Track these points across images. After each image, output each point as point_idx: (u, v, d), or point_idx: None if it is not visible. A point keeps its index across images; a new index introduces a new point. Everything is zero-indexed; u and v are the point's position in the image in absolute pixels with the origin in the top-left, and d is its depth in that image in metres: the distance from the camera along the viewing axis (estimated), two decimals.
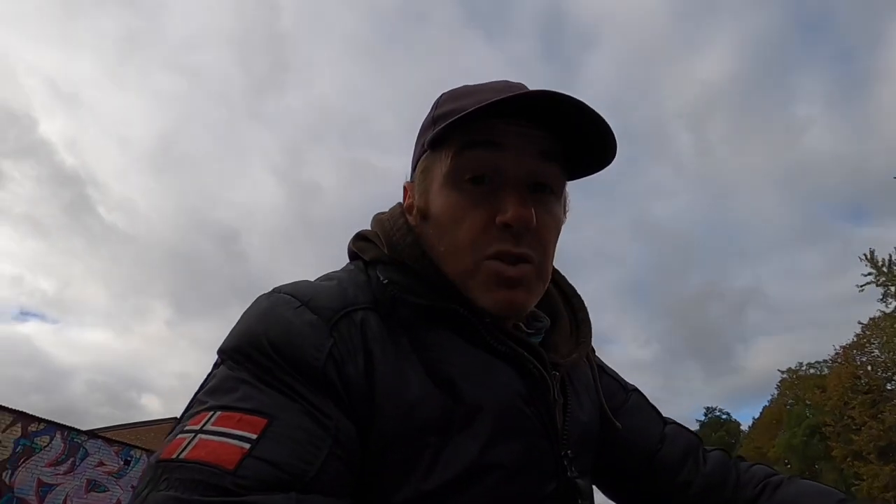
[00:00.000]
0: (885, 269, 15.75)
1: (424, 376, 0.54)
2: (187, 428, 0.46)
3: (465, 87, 0.65)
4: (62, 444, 10.17)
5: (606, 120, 0.57)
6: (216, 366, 0.53)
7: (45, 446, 9.82)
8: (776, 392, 31.86)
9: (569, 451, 0.60)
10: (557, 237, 0.64)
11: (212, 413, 0.46)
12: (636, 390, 0.81)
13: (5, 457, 9.19)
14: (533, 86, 0.60)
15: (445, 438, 0.52)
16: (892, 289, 15.77)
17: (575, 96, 0.55)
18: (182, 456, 0.43)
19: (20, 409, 9.68)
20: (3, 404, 9.50)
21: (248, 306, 0.57)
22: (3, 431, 9.32)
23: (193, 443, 0.44)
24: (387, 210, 0.68)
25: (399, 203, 0.68)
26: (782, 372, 30.10)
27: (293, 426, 0.45)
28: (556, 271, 0.74)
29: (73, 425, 10.61)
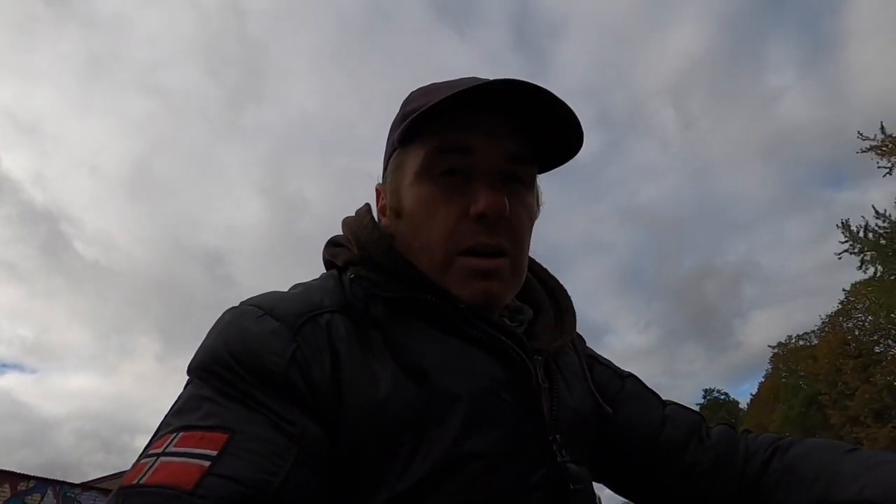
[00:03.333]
0: (860, 237, 15.97)
1: (396, 371, 0.53)
2: (150, 452, 0.45)
3: (434, 83, 0.65)
4: (55, 501, 9.87)
5: (573, 108, 0.58)
6: (186, 386, 0.53)
7: None
8: (770, 367, 32.28)
9: (557, 436, 0.59)
10: (532, 228, 0.65)
11: (175, 434, 0.46)
12: (631, 376, 0.80)
13: None
14: (507, 77, 0.59)
15: (421, 432, 0.51)
16: (869, 255, 16.02)
17: (542, 86, 0.56)
18: (143, 481, 0.43)
19: (7, 469, 9.40)
20: None
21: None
22: None
23: (154, 466, 0.43)
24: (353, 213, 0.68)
25: (367, 203, 0.68)
26: (772, 347, 30.52)
27: (255, 438, 0.45)
28: (536, 263, 0.74)
29: (65, 478, 10.35)
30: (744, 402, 40.28)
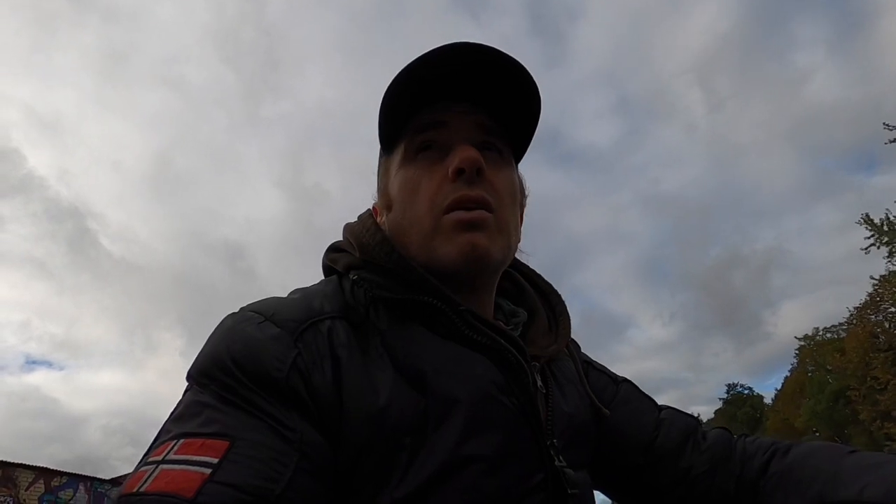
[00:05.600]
0: (885, 229, 15.69)
1: (396, 376, 0.53)
2: (150, 459, 0.45)
3: (402, 73, 0.61)
4: (86, 496, 10.17)
5: (527, 68, 0.60)
6: (186, 392, 0.53)
7: (70, 500, 9.84)
8: (795, 361, 31.61)
9: (554, 441, 0.59)
10: (516, 202, 0.66)
11: (175, 441, 0.45)
12: (626, 381, 0.80)
13: None
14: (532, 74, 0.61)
15: (421, 436, 0.51)
16: (895, 246, 15.60)
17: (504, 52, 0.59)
18: (143, 489, 0.42)
19: (41, 465, 9.71)
20: (23, 461, 9.52)
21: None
22: (27, 489, 9.32)
23: (155, 474, 0.43)
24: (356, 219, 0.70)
25: (369, 208, 0.70)
26: (799, 339, 29.90)
27: (257, 445, 0.45)
28: (529, 268, 0.76)
29: (95, 473, 10.63)
30: (769, 396, 39.52)
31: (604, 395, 0.74)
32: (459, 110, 0.62)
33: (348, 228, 0.68)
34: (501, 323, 0.66)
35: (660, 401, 0.80)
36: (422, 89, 0.61)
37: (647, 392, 0.80)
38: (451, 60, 0.59)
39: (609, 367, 0.82)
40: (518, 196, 0.67)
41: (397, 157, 0.64)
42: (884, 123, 14.79)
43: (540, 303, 0.73)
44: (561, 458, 0.59)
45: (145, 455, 0.47)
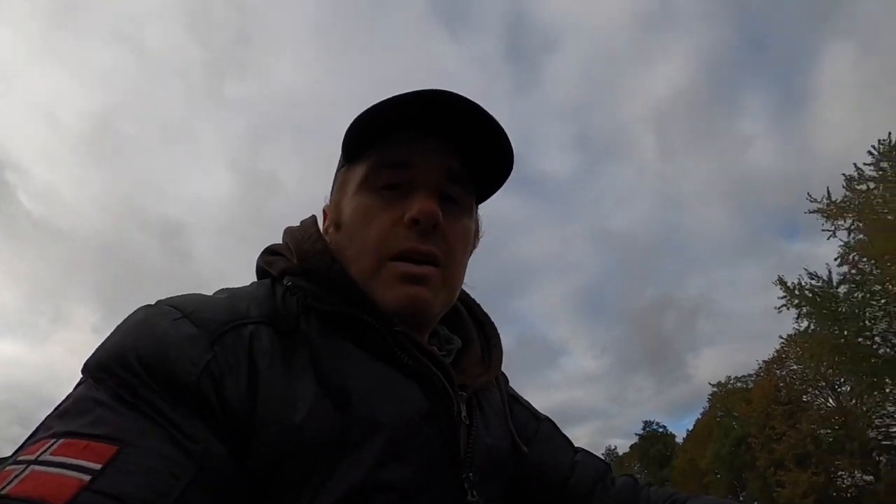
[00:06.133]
0: (796, 293, 17.02)
1: (319, 392, 0.51)
2: (21, 458, 0.40)
3: (380, 102, 0.61)
4: None
5: (505, 130, 0.61)
6: (78, 385, 0.47)
7: None
8: (707, 405, 33.57)
9: (471, 474, 0.58)
10: (467, 252, 0.66)
11: (54, 441, 0.40)
12: (548, 419, 0.82)
13: None
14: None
15: (337, 457, 0.49)
16: (804, 309, 17.05)
17: (484, 108, 0.59)
18: (5, 491, 0.37)
19: None
20: None
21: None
22: None
23: (23, 475, 0.38)
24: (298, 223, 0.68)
25: (313, 215, 0.69)
26: (713, 385, 31.79)
27: (150, 453, 0.41)
28: (469, 297, 0.77)
29: None
30: (681, 436, 41.59)
31: (525, 431, 0.75)
32: (428, 148, 0.62)
33: (289, 233, 0.66)
34: (435, 348, 0.65)
35: (581, 430, 0.85)
36: (398, 113, 0.60)
37: (572, 419, 0.84)
38: (431, 101, 0.59)
39: (539, 392, 0.87)
40: (470, 244, 0.67)
41: (358, 176, 0.63)
42: (808, 194, 16.16)
43: (475, 332, 0.73)
44: (475, 492, 0.58)
45: (17, 451, 0.42)
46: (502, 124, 0.62)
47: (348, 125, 0.62)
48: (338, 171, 0.69)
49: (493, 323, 0.76)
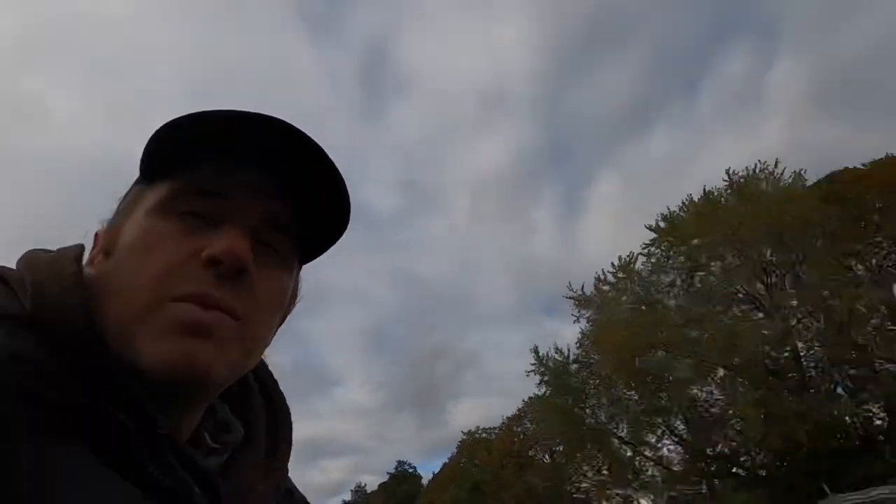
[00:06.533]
0: (543, 362, 20.95)
1: None
2: None
3: (201, 112, 0.47)
4: None
5: (348, 186, 0.50)
6: None
7: None
8: (455, 451, 36.82)
9: None
10: (277, 314, 0.51)
11: None
12: None
13: None
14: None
15: None
16: (546, 377, 20.91)
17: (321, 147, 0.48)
18: None
19: None
20: None
21: None
22: None
23: None
24: (54, 249, 0.49)
25: (79, 244, 0.50)
26: (464, 433, 35.10)
27: None
28: (267, 370, 0.61)
29: None
30: (427, 478, 44.37)
31: None
32: (252, 183, 0.48)
33: (27, 261, 0.46)
34: (201, 455, 0.48)
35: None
36: (221, 132, 0.47)
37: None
38: (267, 129, 0.47)
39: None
40: (283, 307, 0.52)
41: (155, 197, 0.48)
42: (569, 283, 20.23)
43: (265, 418, 0.58)
44: None
45: None
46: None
47: (152, 133, 0.48)
48: (130, 190, 0.53)
49: (287, 408, 0.60)
